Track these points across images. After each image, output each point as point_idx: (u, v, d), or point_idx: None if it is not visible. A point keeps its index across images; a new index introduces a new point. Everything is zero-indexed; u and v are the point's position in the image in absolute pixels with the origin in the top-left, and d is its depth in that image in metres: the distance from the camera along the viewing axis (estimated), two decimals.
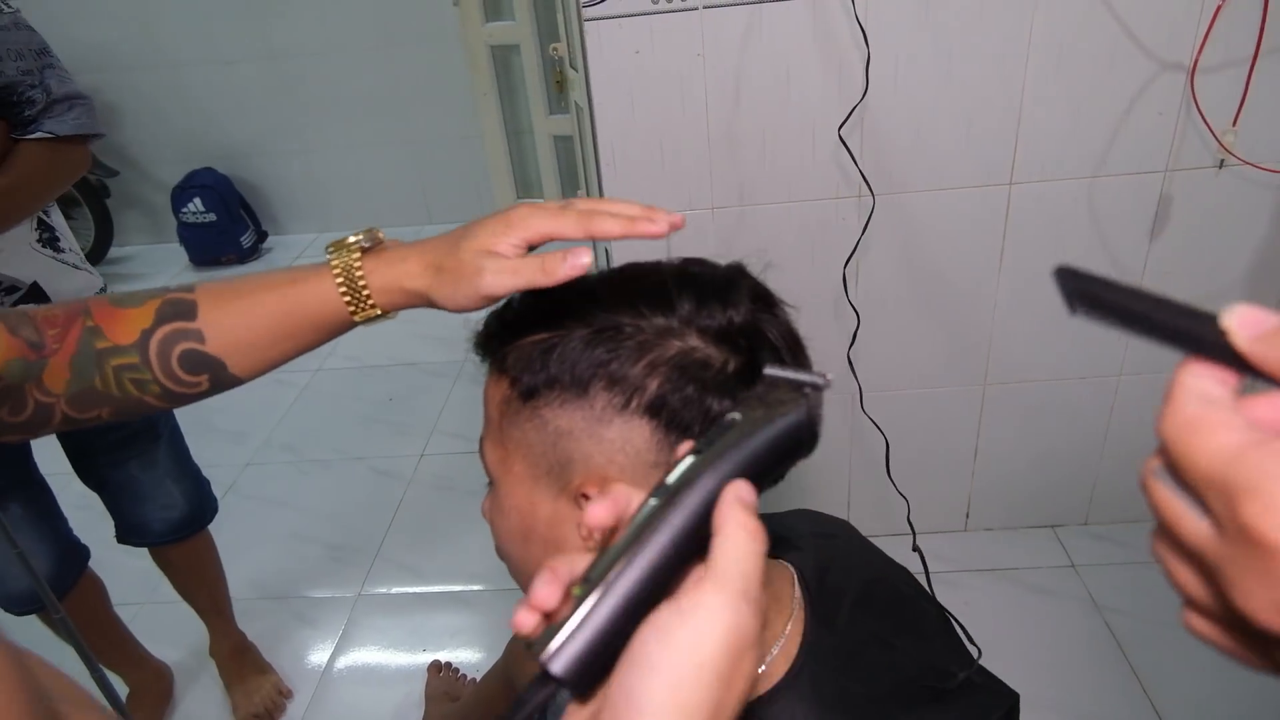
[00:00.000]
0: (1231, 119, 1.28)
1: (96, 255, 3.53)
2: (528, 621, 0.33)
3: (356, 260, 0.55)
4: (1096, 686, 1.49)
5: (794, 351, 0.52)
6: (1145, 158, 1.38)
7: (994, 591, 1.69)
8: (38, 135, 1.13)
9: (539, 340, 0.52)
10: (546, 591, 0.33)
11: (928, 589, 0.69)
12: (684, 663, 0.29)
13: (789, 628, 0.56)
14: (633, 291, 0.52)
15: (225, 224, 3.47)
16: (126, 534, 1.46)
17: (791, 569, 0.61)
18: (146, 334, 0.56)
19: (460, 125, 3.45)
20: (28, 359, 0.55)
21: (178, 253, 3.60)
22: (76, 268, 1.28)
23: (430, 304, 0.54)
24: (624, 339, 0.49)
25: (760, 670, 0.54)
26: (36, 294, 1.22)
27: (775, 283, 0.56)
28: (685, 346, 0.49)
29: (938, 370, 1.62)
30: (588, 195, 1.89)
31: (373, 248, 0.56)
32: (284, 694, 1.63)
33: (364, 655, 1.73)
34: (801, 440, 0.36)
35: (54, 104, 1.14)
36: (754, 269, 0.55)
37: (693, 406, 0.49)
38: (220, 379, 0.59)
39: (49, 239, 1.24)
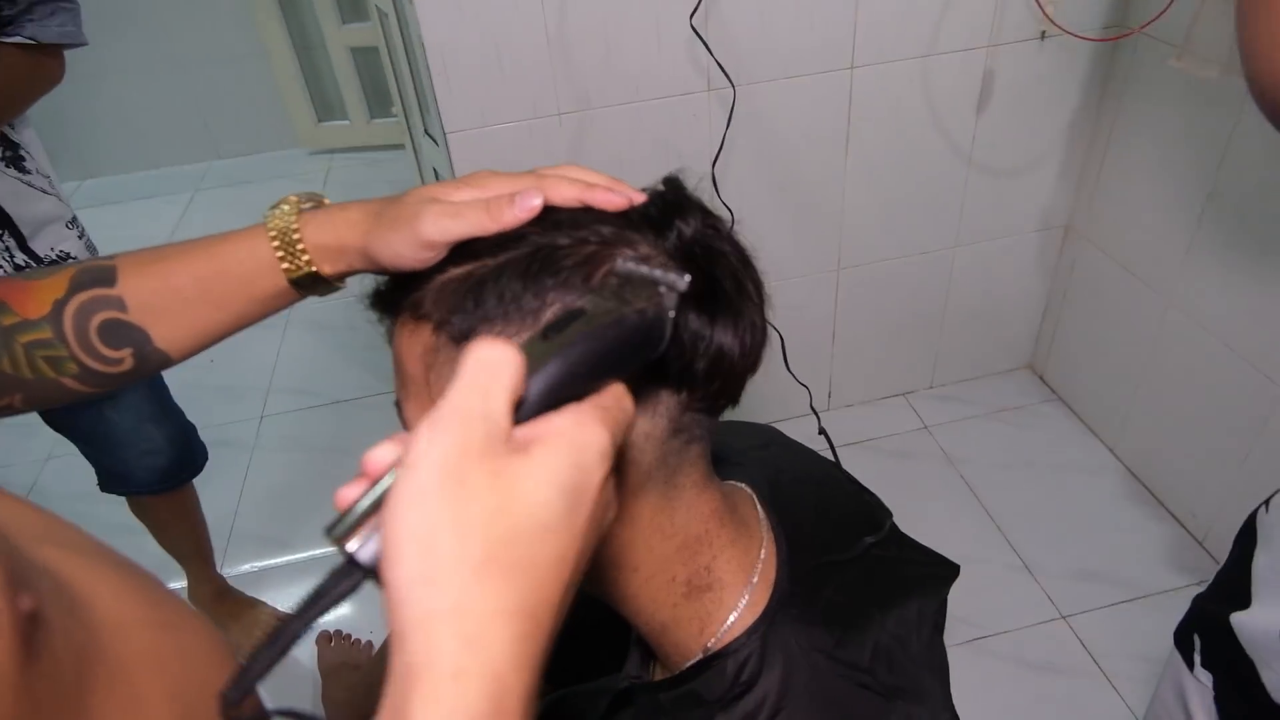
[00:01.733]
0: None
1: None
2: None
3: (293, 215, 0.50)
4: (958, 531, 1.64)
5: (745, 261, 0.48)
6: (972, 34, 1.43)
7: (861, 462, 1.80)
8: (16, 40, 0.99)
9: (460, 275, 0.44)
10: (356, 490, 0.31)
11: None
12: (405, 494, 0.28)
13: (763, 551, 0.54)
14: (564, 211, 0.46)
15: None
16: (108, 482, 1.34)
17: (748, 489, 0.59)
18: (60, 304, 0.50)
19: (239, 42, 3.04)
20: None
21: None
22: (45, 192, 1.12)
23: (370, 262, 0.47)
24: (564, 256, 0.43)
25: (742, 603, 0.52)
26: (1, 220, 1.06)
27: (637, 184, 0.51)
28: (640, 255, 0.44)
29: (797, 259, 1.65)
30: (406, 113, 1.73)
31: (315, 207, 0.51)
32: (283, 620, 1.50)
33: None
34: (650, 339, 0.36)
35: (36, 4, 0.98)
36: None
37: None
38: (145, 354, 0.52)
39: (13, 158, 1.09)
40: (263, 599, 1.63)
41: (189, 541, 1.51)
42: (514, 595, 0.28)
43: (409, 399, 0.48)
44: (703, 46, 1.31)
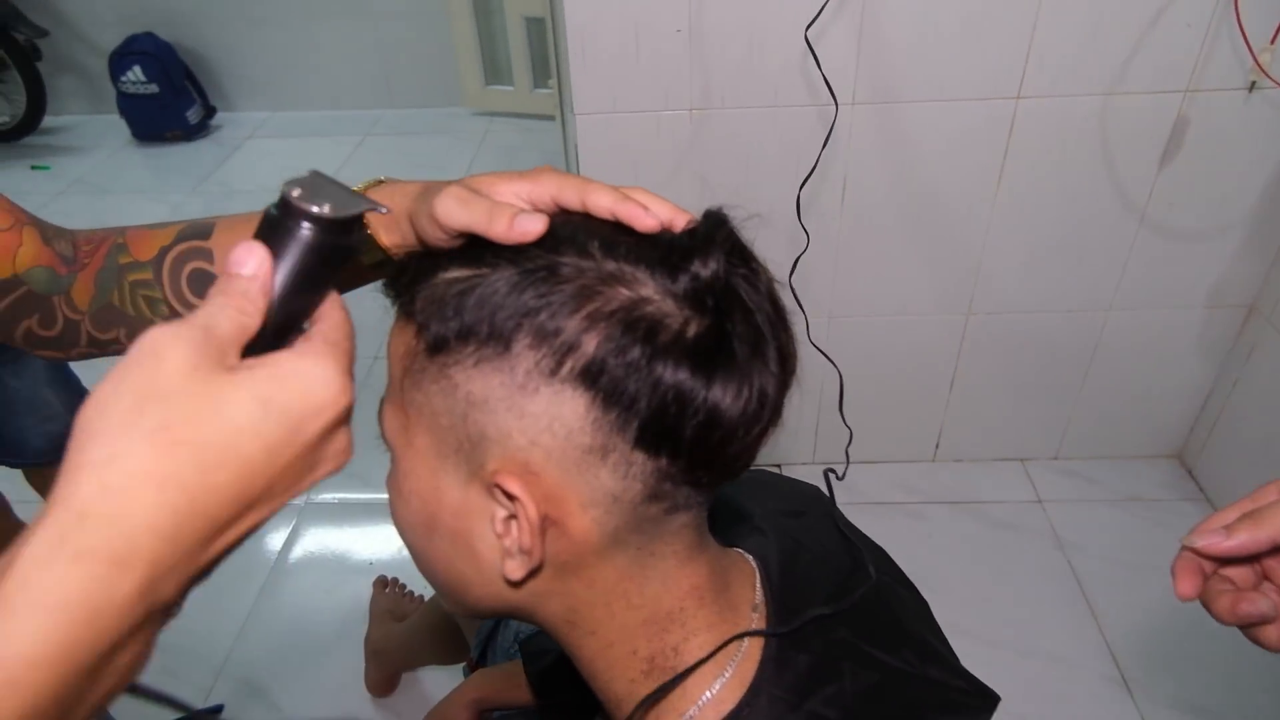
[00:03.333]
0: (1270, 36, 1.15)
1: (29, 124, 3.27)
2: None
3: (362, 185, 0.51)
4: (1054, 625, 1.48)
5: (775, 323, 0.42)
6: (1167, 76, 1.25)
7: (958, 524, 1.65)
8: None
9: (455, 279, 0.41)
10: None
11: (904, 575, 0.62)
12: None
13: (745, 644, 0.47)
14: (581, 228, 0.41)
15: (169, 97, 3.20)
16: (4, 452, 1.32)
17: (753, 564, 0.52)
18: (164, 250, 0.56)
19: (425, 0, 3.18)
20: (56, 271, 0.55)
21: (118, 125, 3.34)
22: None
23: (418, 235, 0.47)
24: (560, 282, 0.39)
25: (706, 697, 0.46)
26: None
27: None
28: (635, 297, 0.39)
29: (921, 295, 1.52)
30: (560, 87, 1.72)
31: (388, 180, 0.53)
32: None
33: (308, 565, 1.67)
34: (329, 242, 0.37)
35: None
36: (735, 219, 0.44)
37: (639, 376, 0.38)
38: None
39: None
40: None
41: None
42: (173, 466, 0.29)
43: (388, 400, 0.46)
44: (832, 58, 1.21)
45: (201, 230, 0.56)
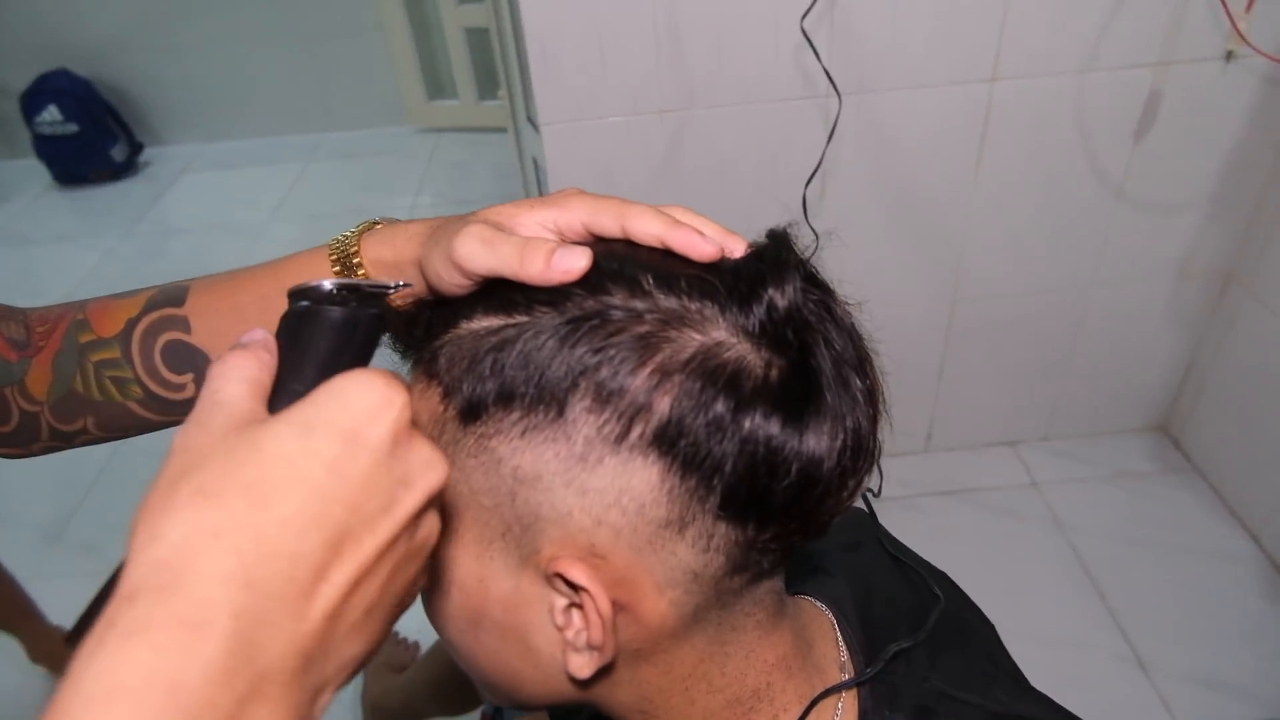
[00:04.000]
0: (1246, 4, 1.14)
1: None
2: None
3: (355, 233, 0.46)
4: (1062, 607, 1.46)
5: (859, 353, 0.36)
6: (1140, 49, 1.24)
7: (957, 514, 1.63)
8: None
9: (486, 330, 0.35)
10: None
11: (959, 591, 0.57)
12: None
13: (840, 706, 0.42)
14: (627, 260, 0.36)
15: (90, 135, 3.04)
16: None
17: (830, 616, 0.47)
18: (132, 323, 0.49)
19: (359, 15, 3.07)
20: (7, 359, 0.49)
21: (37, 170, 3.16)
22: None
23: (422, 279, 0.41)
24: (615, 330, 0.33)
25: None
26: None
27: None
28: (709, 342, 0.33)
29: (904, 288, 1.50)
30: (510, 98, 1.66)
31: (384, 221, 0.48)
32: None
33: None
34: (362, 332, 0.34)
35: None
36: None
37: (723, 435, 0.32)
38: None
39: None
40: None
41: (7, 606, 1.41)
42: (224, 513, 0.24)
43: None
44: (812, 52, 1.18)
45: (174, 296, 0.49)
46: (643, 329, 0.33)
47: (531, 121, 1.51)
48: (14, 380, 0.49)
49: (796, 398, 0.33)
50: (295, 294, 0.34)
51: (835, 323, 0.36)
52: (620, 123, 1.27)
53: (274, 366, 0.31)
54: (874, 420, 0.37)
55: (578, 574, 0.34)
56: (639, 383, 0.32)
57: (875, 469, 0.38)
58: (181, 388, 0.49)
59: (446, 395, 0.35)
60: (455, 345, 0.36)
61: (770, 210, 1.33)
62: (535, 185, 1.57)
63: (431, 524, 0.30)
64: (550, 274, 0.34)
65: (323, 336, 0.33)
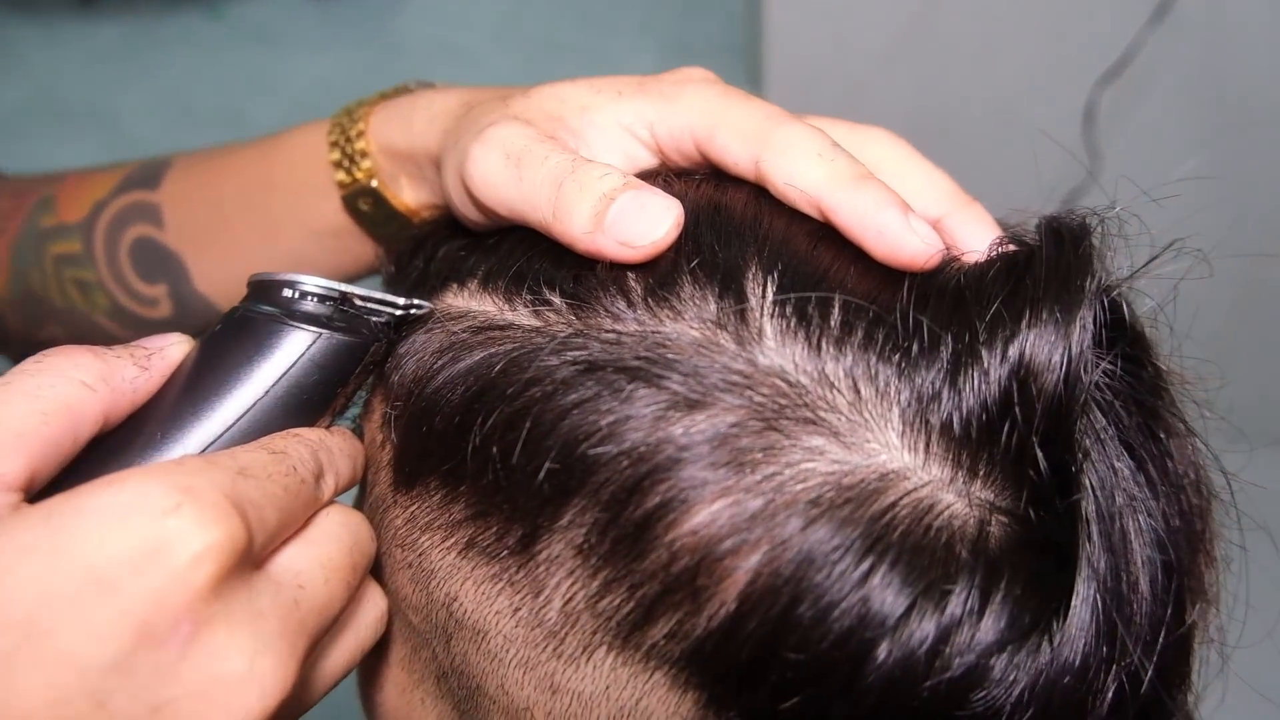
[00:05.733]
0: None
1: None
2: None
3: (370, 101, 0.32)
4: None
5: (1170, 578, 0.20)
6: None
7: None
8: None
9: (467, 327, 0.23)
10: None
11: None
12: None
13: None
14: (745, 238, 0.22)
15: None
16: None
17: None
18: (99, 206, 0.37)
19: None
20: None
21: None
22: None
23: (447, 195, 0.27)
24: (699, 402, 0.20)
25: None
26: None
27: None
28: (871, 471, 0.19)
29: None
30: None
31: (417, 89, 0.33)
32: None
33: None
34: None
35: None
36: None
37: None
38: (183, 298, 0.37)
39: None
40: None
41: None
42: None
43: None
44: None
45: (150, 176, 0.37)
46: (754, 413, 0.19)
47: None
48: None
49: (1024, 625, 0.18)
50: (253, 289, 0.23)
51: (1155, 482, 0.19)
52: None
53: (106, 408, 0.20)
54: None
55: None
56: (693, 539, 0.19)
57: None
58: (154, 303, 0.37)
59: (386, 425, 0.23)
60: (424, 338, 0.23)
61: (1047, 119, 0.77)
62: (754, 42, 1.08)
63: None
64: (599, 242, 0.21)
65: (249, 371, 0.21)
